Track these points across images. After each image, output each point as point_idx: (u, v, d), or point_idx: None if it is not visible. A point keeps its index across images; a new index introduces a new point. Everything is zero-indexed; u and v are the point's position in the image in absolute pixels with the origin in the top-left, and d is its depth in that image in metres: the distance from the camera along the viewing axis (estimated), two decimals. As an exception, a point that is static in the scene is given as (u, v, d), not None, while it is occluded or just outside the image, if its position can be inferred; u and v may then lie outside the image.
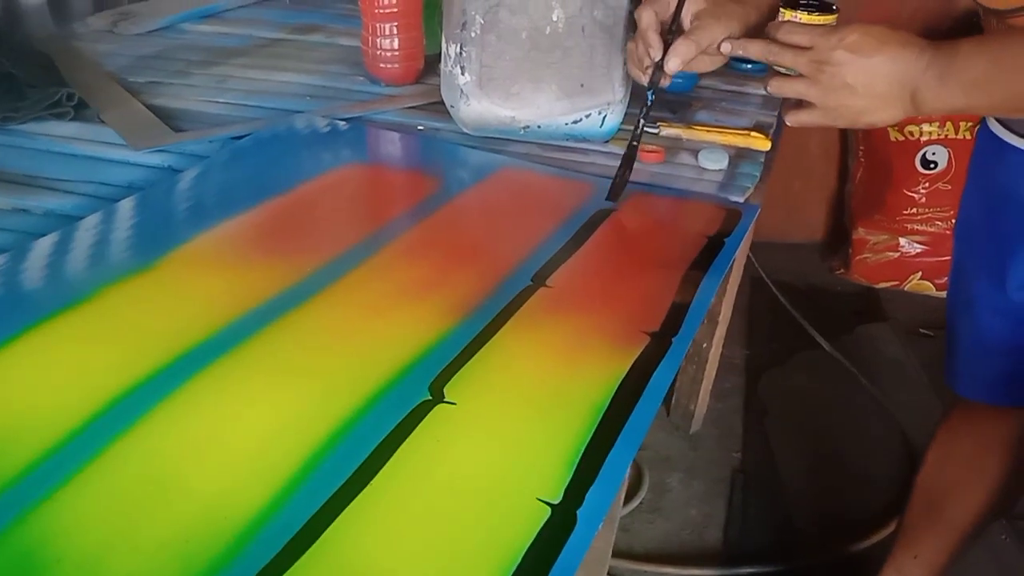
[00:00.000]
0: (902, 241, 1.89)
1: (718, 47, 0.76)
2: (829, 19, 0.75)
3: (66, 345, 0.52)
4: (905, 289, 1.92)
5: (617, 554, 1.25)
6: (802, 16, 0.74)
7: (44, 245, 0.63)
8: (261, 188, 0.72)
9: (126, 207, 0.69)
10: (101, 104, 0.89)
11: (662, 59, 0.74)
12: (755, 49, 0.76)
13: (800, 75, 0.72)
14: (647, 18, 0.76)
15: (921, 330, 1.81)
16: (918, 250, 1.88)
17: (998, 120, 0.83)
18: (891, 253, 1.90)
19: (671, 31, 0.75)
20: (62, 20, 1.18)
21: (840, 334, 1.79)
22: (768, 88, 0.76)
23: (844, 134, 2.01)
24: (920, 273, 1.90)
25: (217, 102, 0.94)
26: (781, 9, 0.74)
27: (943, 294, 1.91)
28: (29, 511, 0.41)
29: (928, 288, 1.91)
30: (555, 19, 0.81)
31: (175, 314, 0.55)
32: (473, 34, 0.81)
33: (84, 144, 0.81)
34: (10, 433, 0.45)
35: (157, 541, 0.40)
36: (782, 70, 0.74)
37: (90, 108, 0.87)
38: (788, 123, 0.77)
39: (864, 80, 0.68)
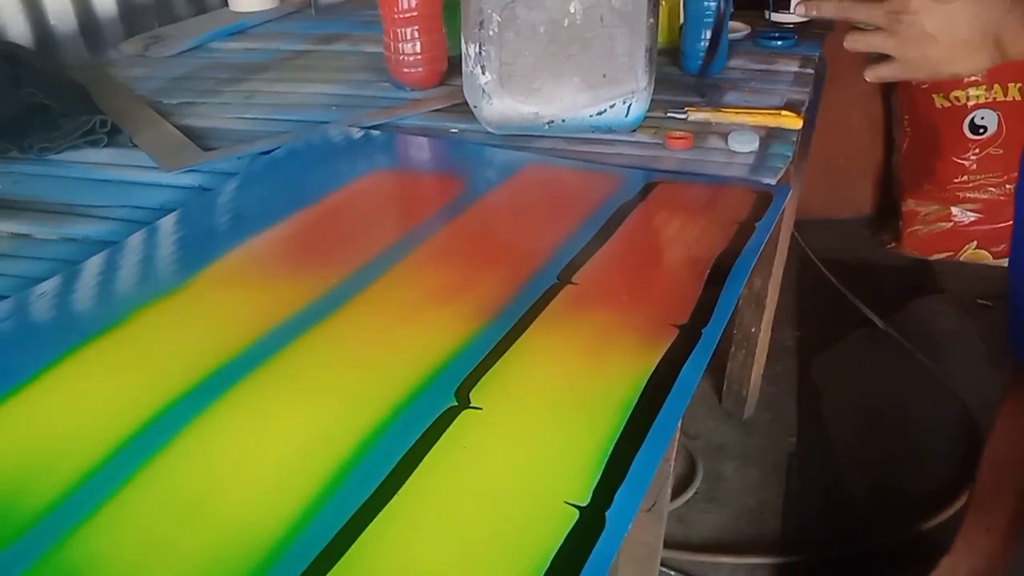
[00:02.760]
0: (954, 210, 1.83)
1: (793, 8, 0.76)
2: None
3: (99, 371, 0.53)
4: (961, 259, 1.87)
5: (673, 545, 1.23)
6: None
7: (77, 273, 0.64)
8: (288, 202, 0.73)
9: (157, 229, 0.70)
10: (133, 128, 0.90)
11: None
12: (827, 7, 0.75)
13: (877, 28, 0.71)
14: None
15: (979, 300, 1.76)
16: (972, 219, 1.82)
17: None
18: (943, 223, 1.85)
19: None
20: (95, 48, 1.21)
21: (894, 310, 1.75)
22: (845, 44, 0.75)
23: (888, 104, 1.95)
24: (975, 242, 1.84)
25: (245, 118, 0.95)
26: None
27: (1001, 262, 1.85)
28: (66, 537, 0.42)
29: (985, 257, 1.85)
30: (572, 11, 0.80)
31: (205, 334, 0.56)
32: (491, 32, 0.80)
33: (117, 169, 0.83)
34: (46, 460, 0.46)
35: (193, 560, 0.40)
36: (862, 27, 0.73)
37: (123, 133, 0.89)
38: (868, 79, 0.76)
39: (944, 28, 0.66)
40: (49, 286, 0.62)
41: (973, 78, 1.66)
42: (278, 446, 0.47)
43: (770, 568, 1.23)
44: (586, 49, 0.81)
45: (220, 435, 0.48)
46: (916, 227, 1.88)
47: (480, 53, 0.82)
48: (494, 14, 0.80)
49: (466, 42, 0.85)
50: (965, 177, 1.78)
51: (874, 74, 0.74)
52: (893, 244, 1.94)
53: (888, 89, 1.91)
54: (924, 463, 1.41)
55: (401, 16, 0.95)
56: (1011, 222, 1.84)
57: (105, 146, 0.87)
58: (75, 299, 0.61)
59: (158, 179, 0.81)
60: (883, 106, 1.96)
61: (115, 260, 0.66)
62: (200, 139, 0.89)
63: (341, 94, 1.00)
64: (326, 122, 0.91)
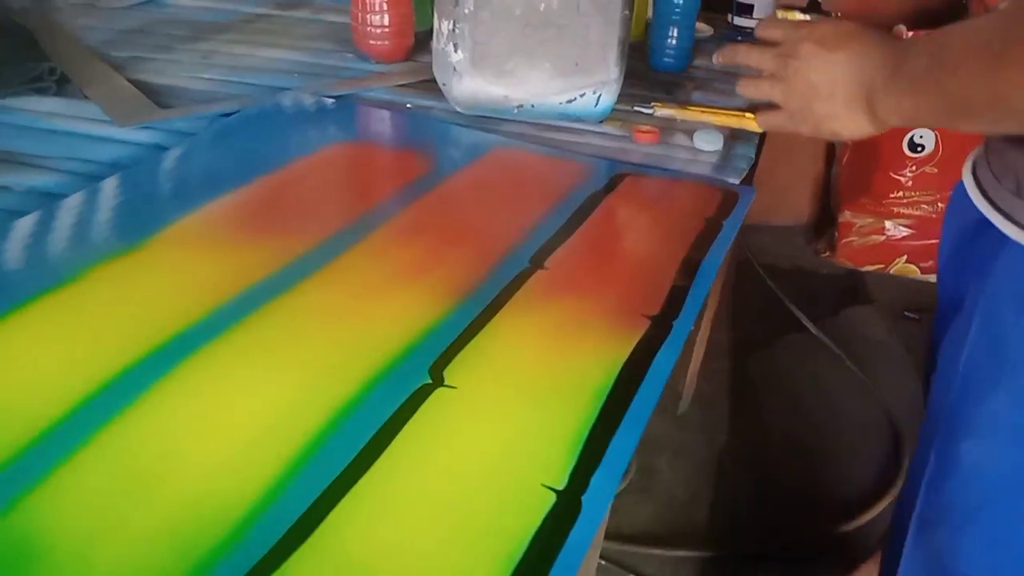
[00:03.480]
0: (888, 224, 1.89)
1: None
2: None
3: (51, 328, 0.50)
4: (891, 272, 1.93)
5: (606, 536, 1.25)
6: (791, 14, 0.69)
7: (26, 224, 0.61)
8: (250, 166, 0.71)
9: (111, 185, 0.67)
10: (83, 79, 0.86)
11: None
12: (727, 54, 0.73)
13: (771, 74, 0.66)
14: None
15: (906, 313, 1.82)
16: (904, 233, 1.88)
17: (984, 193, 0.60)
18: (877, 236, 1.91)
19: None
20: (40, -7, 1.15)
21: (825, 316, 1.80)
22: (738, 88, 0.72)
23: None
24: (905, 256, 1.90)
25: (202, 78, 0.92)
26: (777, 11, 0.69)
27: (928, 277, 1.92)
28: (13, 504, 0.39)
29: (913, 271, 1.92)
30: (550, -4, 0.79)
31: (164, 296, 0.54)
32: (466, 11, 0.79)
33: (67, 120, 0.79)
34: (-2, 417, 0.44)
35: (150, 531, 0.39)
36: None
37: (72, 83, 0.85)
38: (758, 126, 0.74)
39: (827, 79, 0.60)
40: (-5, 236, 0.59)
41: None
42: (242, 418, 0.45)
43: (699, 561, 1.25)
44: (560, 35, 0.81)
45: (180, 403, 0.46)
46: (850, 238, 1.93)
47: (453, 30, 0.81)
48: (471, -8, 0.79)
49: (439, 18, 0.83)
50: (900, 193, 1.84)
51: (763, 121, 0.70)
52: (827, 253, 2.00)
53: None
54: (849, 466, 1.46)
55: (372, -14, 0.93)
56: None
57: (53, 95, 0.83)
58: (22, 252, 0.58)
59: (110, 133, 0.78)
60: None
61: (66, 214, 0.62)
62: (155, 96, 0.85)
63: (303, 61, 0.98)
64: (287, 88, 0.89)
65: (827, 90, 0.61)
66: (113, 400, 0.45)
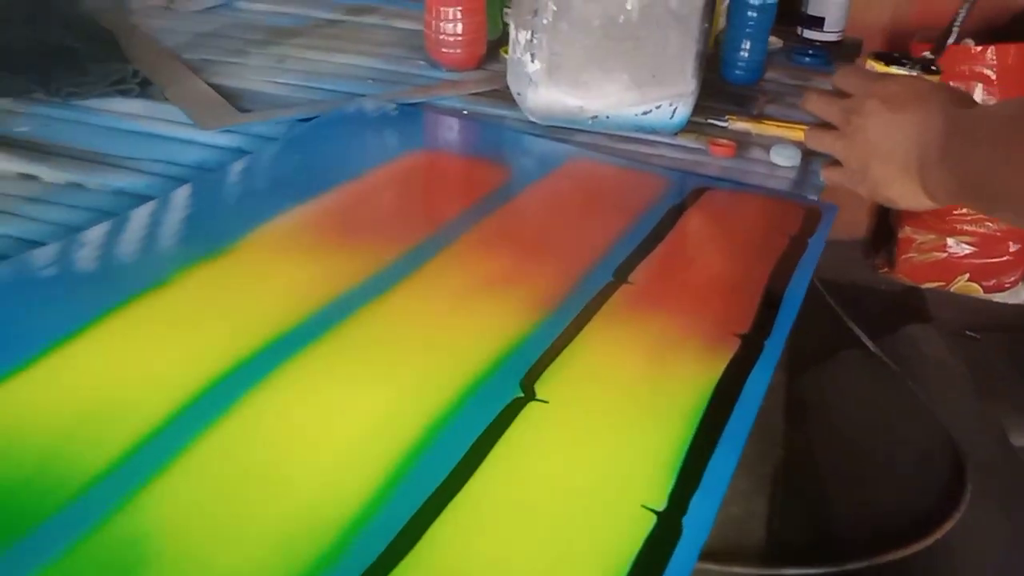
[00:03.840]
0: (950, 241, 1.85)
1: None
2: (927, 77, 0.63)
3: (148, 331, 0.51)
4: (951, 290, 1.89)
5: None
6: (898, 71, 0.64)
7: (117, 225, 0.62)
8: (332, 173, 0.71)
9: (196, 188, 0.68)
10: (164, 82, 0.88)
11: None
12: (804, 101, 0.69)
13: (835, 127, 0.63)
14: None
15: (967, 332, 1.78)
16: (966, 251, 1.84)
17: None
18: (938, 253, 1.87)
19: None
20: (118, -5, 1.18)
21: (883, 333, 1.77)
22: (804, 138, 0.70)
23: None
24: (968, 275, 1.86)
25: (277, 83, 0.93)
26: (868, 60, 0.65)
27: (991, 297, 1.88)
28: (119, 507, 0.40)
29: (975, 290, 1.88)
30: (629, 7, 0.79)
31: (257, 301, 0.54)
32: (545, 21, 0.79)
33: (150, 122, 0.81)
34: (96, 422, 0.44)
35: (259, 536, 0.39)
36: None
37: (154, 86, 0.87)
38: (823, 179, 0.71)
39: (885, 140, 0.57)
40: (90, 236, 0.60)
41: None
42: (341, 425, 0.45)
43: (752, 579, 1.23)
44: (638, 47, 0.81)
45: (279, 408, 0.46)
46: (911, 254, 1.90)
47: (531, 41, 0.81)
48: (550, 3, 0.79)
49: (516, 29, 0.83)
50: (964, 209, 1.80)
51: (826, 175, 0.66)
52: (886, 269, 1.96)
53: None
54: (907, 488, 1.43)
55: (446, -5, 0.93)
56: (1005, 258, 1.87)
57: (136, 97, 0.85)
58: (118, 252, 0.59)
59: (193, 136, 0.79)
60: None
61: (157, 215, 0.64)
62: (232, 99, 0.87)
63: (375, 67, 0.98)
64: (362, 95, 0.89)
65: (885, 153, 0.58)
66: (213, 404, 0.46)
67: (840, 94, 0.63)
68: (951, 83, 0.56)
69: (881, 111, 0.58)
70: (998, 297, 1.93)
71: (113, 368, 0.48)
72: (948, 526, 1.38)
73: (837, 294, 1.88)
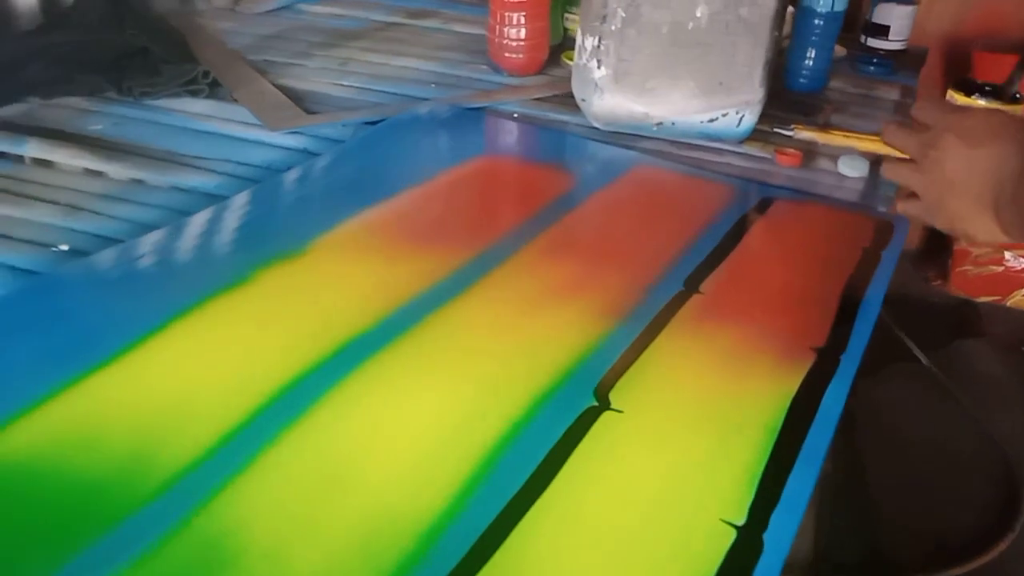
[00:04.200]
0: (1007, 255, 1.81)
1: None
2: (1008, 108, 0.63)
3: (231, 327, 0.52)
4: (1007, 304, 1.85)
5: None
6: (977, 102, 0.62)
7: (195, 224, 0.63)
8: (399, 177, 0.72)
9: (268, 189, 0.69)
10: (232, 83, 0.89)
11: None
12: (885, 132, 0.68)
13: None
14: None
15: (1022, 348, 1.74)
16: (1024, 265, 1.81)
17: None
18: (995, 267, 1.83)
19: None
20: (185, -3, 1.20)
21: (935, 347, 1.73)
22: (881, 170, 0.68)
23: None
24: (1024, 289, 1.82)
25: (341, 85, 0.94)
26: (949, 91, 0.63)
27: (1047, 312, 1.84)
28: (208, 501, 0.41)
29: (1032, 305, 1.84)
30: (698, 15, 0.79)
31: (332, 303, 0.55)
32: (613, 27, 0.79)
33: (220, 123, 0.82)
34: (179, 419, 0.45)
35: (339, 536, 0.39)
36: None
37: (222, 87, 0.88)
38: (899, 211, 0.70)
39: (962, 175, 0.56)
40: (163, 235, 0.61)
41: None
42: (417, 429, 0.46)
43: (801, 593, 1.22)
44: (706, 54, 0.80)
45: (356, 411, 0.47)
46: (966, 267, 1.86)
47: (598, 47, 0.81)
48: (619, 9, 0.79)
49: (583, 35, 0.83)
50: None
51: (903, 208, 0.66)
52: (939, 282, 1.92)
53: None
54: (958, 506, 1.40)
55: (511, 0, 0.93)
56: (1065, 272, 1.81)
57: (205, 97, 0.86)
58: (192, 252, 0.60)
59: (261, 137, 0.80)
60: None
61: (230, 215, 0.65)
62: (298, 101, 0.88)
63: (437, 71, 0.99)
64: (425, 98, 0.90)
65: (961, 188, 0.57)
66: (293, 404, 0.46)
67: (919, 126, 0.62)
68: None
69: (958, 146, 0.57)
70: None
71: (194, 366, 0.49)
72: (1002, 546, 1.35)
73: (889, 306, 1.84)
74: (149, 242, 0.60)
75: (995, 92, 0.59)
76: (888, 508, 1.39)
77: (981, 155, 0.55)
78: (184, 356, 0.49)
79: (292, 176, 0.71)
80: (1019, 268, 1.81)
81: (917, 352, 1.74)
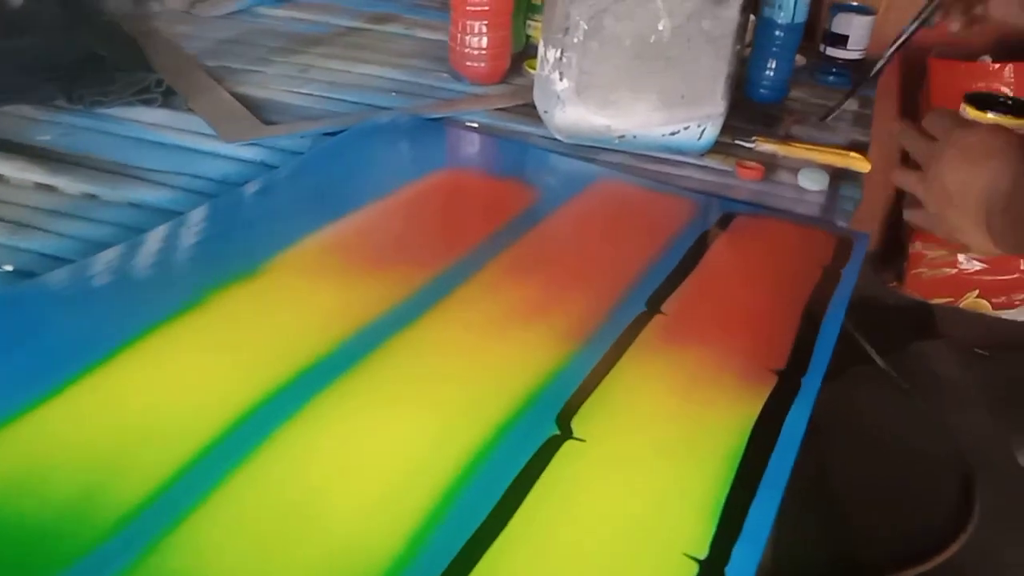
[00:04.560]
0: (960, 257, 1.84)
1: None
2: (1016, 123, 0.63)
3: (183, 355, 0.50)
4: (960, 306, 1.89)
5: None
6: (986, 116, 0.63)
7: (147, 243, 0.61)
8: (359, 191, 0.71)
9: (225, 205, 0.67)
10: (188, 91, 0.87)
11: None
12: (898, 131, 0.69)
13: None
14: None
15: (976, 350, 1.78)
16: (977, 267, 1.83)
17: None
18: (948, 269, 1.86)
19: None
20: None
21: (893, 350, 1.76)
22: (892, 176, 0.70)
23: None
24: (977, 291, 1.85)
25: (300, 93, 0.92)
26: (963, 105, 0.65)
27: (999, 313, 1.87)
28: (158, 541, 0.39)
29: (985, 307, 1.87)
30: (661, 28, 0.78)
31: (288, 327, 0.54)
32: (575, 40, 0.79)
33: (174, 133, 0.80)
34: (126, 455, 0.43)
35: (297, 574, 0.38)
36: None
37: (177, 95, 0.86)
38: (905, 218, 0.71)
39: (960, 190, 0.59)
40: (114, 255, 0.60)
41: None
42: (378, 460, 0.45)
43: (762, 598, 1.23)
44: (669, 68, 0.80)
45: (314, 442, 0.46)
46: (920, 269, 1.89)
47: (560, 59, 0.80)
48: (581, 21, 0.78)
49: (545, 46, 0.83)
50: (977, 227, 1.80)
51: (908, 216, 0.68)
52: (895, 284, 1.96)
53: (908, 130, 1.92)
54: (919, 506, 1.42)
55: (472, 8, 0.92)
56: (1015, 275, 1.86)
57: (159, 107, 0.84)
58: (145, 272, 0.58)
59: (217, 149, 0.78)
60: (901, 149, 1.97)
61: (183, 233, 0.63)
62: (255, 110, 0.86)
63: (399, 79, 0.98)
64: (387, 108, 0.89)
65: (959, 201, 0.60)
66: (248, 437, 0.45)
67: (928, 136, 0.64)
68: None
69: (958, 162, 0.59)
70: (1007, 314, 1.92)
71: (146, 397, 0.47)
72: (956, 547, 1.38)
73: (848, 310, 1.87)
74: (99, 263, 0.58)
75: (1012, 107, 0.60)
76: (848, 510, 1.40)
77: (978, 172, 0.58)
78: (135, 387, 0.48)
79: (248, 191, 0.69)
80: (972, 270, 1.85)
81: (875, 356, 1.77)
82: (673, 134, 0.83)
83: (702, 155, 0.85)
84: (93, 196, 0.69)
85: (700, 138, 0.83)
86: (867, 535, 1.37)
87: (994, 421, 1.49)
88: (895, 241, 2.04)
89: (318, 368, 0.50)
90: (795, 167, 0.84)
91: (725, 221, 0.72)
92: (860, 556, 1.32)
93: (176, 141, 0.79)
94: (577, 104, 0.81)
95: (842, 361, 1.83)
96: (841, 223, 0.75)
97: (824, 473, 1.50)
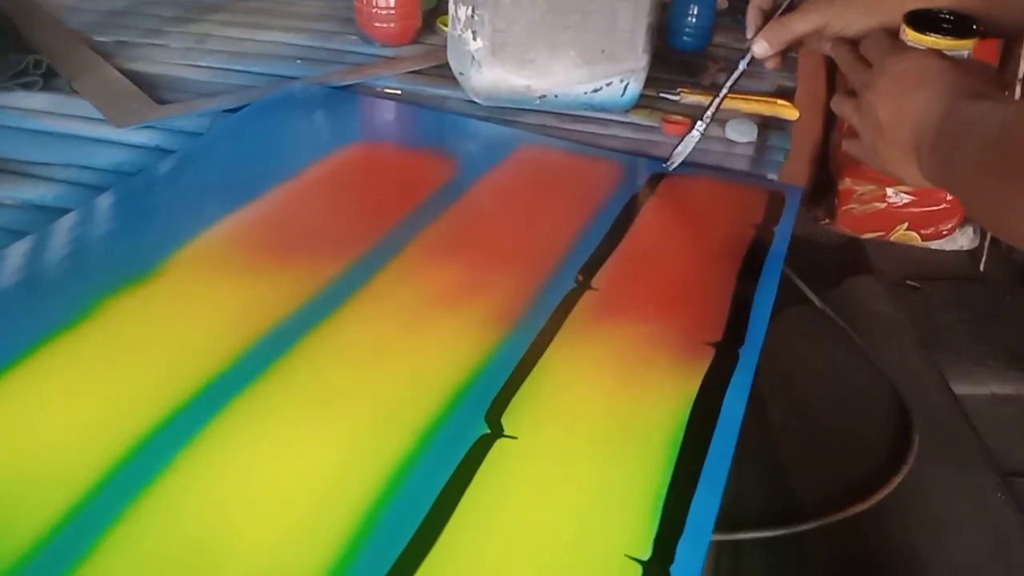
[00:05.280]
0: (889, 191, 1.86)
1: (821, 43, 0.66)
2: (955, 44, 0.58)
3: (71, 376, 0.46)
4: (891, 239, 1.91)
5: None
6: (925, 38, 0.60)
7: (22, 249, 0.56)
8: (264, 173, 0.66)
9: (112, 198, 0.62)
10: (72, 71, 0.80)
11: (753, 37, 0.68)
12: (830, 48, 0.66)
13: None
14: None
15: (908, 282, 1.80)
16: (905, 200, 1.86)
17: None
18: (878, 203, 1.88)
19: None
20: (14, -32, 1.08)
21: (827, 287, 1.77)
22: (831, 103, 0.68)
23: (831, 80, 1.96)
24: (907, 224, 1.88)
25: (199, 66, 0.86)
26: (902, 26, 0.61)
27: (928, 244, 1.90)
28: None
29: (914, 239, 1.90)
30: (575, -21, 0.74)
31: (188, 336, 0.49)
32: (486, -4, 0.74)
33: (58, 120, 0.73)
34: (17, 492, 0.39)
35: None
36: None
37: (60, 77, 0.79)
38: (843, 149, 0.69)
39: (891, 121, 0.56)
40: (-6, 264, 0.54)
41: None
42: (294, 480, 0.41)
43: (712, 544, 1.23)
44: (586, 21, 0.76)
45: (222, 465, 0.42)
46: (851, 205, 1.90)
47: (472, 17, 0.76)
48: (491, -25, 0.73)
49: (456, 4, 0.78)
50: (904, 160, 1.81)
51: (846, 147, 0.66)
52: (827, 221, 1.97)
53: (832, 65, 1.91)
54: (857, 444, 1.44)
55: (377, -35, 0.87)
56: (942, 206, 1.88)
57: (40, 90, 0.77)
58: (27, 282, 0.53)
59: (107, 135, 0.72)
60: (826, 82, 1.96)
61: (69, 234, 0.57)
62: (149, 88, 0.80)
63: (305, 45, 0.92)
64: (292, 77, 0.83)
65: (890, 133, 0.57)
66: (147, 465, 0.41)
67: (866, 61, 0.61)
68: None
69: (890, 91, 0.56)
70: (935, 245, 1.95)
71: (29, 426, 0.43)
72: (896, 481, 1.40)
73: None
74: (-27, 276, 0.53)
75: (952, 28, 0.57)
76: (788, 451, 1.42)
77: (910, 102, 0.55)
78: (17, 414, 0.43)
79: (141, 181, 0.64)
80: (900, 204, 1.87)
81: (810, 294, 1.77)
82: (595, 91, 0.79)
83: (627, 111, 0.82)
84: (-33, 197, 0.63)
85: (624, 94, 0.80)
86: (805, 474, 1.39)
87: (927, 353, 1.50)
88: (824, 177, 2.04)
89: (220, 383, 0.46)
90: (722, 119, 0.81)
91: (654, 182, 0.69)
92: (798, 495, 1.34)
93: (60, 129, 0.72)
94: (493, 65, 0.77)
95: (778, 302, 1.84)
96: (772, 175, 0.73)
97: (763, 415, 1.50)
